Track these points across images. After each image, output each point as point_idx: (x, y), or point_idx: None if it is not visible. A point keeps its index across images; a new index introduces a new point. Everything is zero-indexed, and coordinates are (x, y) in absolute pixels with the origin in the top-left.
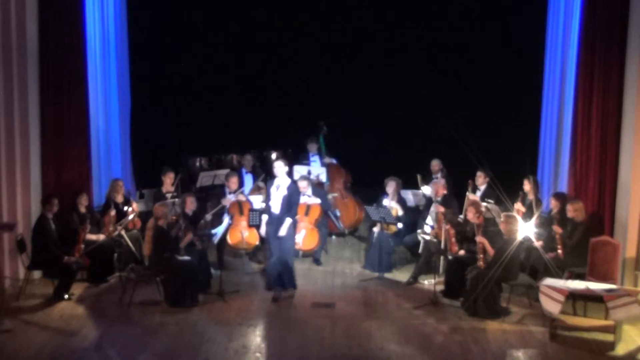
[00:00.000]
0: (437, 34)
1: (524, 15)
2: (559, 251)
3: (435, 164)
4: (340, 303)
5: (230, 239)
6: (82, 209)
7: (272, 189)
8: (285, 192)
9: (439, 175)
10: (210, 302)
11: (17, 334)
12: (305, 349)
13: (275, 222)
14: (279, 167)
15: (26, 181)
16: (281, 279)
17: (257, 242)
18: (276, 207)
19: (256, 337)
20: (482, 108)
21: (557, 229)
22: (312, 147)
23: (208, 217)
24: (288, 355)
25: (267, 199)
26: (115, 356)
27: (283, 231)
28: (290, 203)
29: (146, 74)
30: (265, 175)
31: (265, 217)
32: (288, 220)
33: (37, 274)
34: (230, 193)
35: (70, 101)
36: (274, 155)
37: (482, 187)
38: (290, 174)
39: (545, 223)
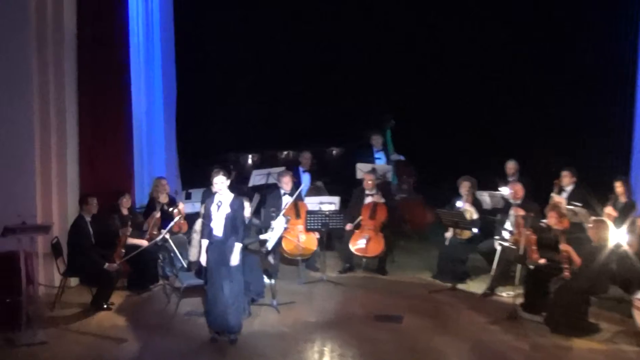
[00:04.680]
0: (521, 31)
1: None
2: None
3: (511, 166)
4: (406, 316)
5: (284, 245)
6: (124, 211)
7: (212, 208)
8: (228, 210)
9: (515, 177)
10: (263, 314)
11: (52, 346)
12: None
13: (218, 248)
14: (220, 182)
15: (62, 179)
16: (224, 321)
17: (315, 248)
18: (218, 229)
19: (313, 354)
20: (571, 104)
21: None
22: (377, 142)
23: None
24: None
25: (207, 218)
26: None
27: (235, 259)
28: (236, 223)
29: (193, 65)
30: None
31: (204, 243)
32: (237, 246)
33: (73, 281)
34: (285, 194)
35: (110, 94)
36: (335, 152)
37: (569, 188)
38: (236, 188)
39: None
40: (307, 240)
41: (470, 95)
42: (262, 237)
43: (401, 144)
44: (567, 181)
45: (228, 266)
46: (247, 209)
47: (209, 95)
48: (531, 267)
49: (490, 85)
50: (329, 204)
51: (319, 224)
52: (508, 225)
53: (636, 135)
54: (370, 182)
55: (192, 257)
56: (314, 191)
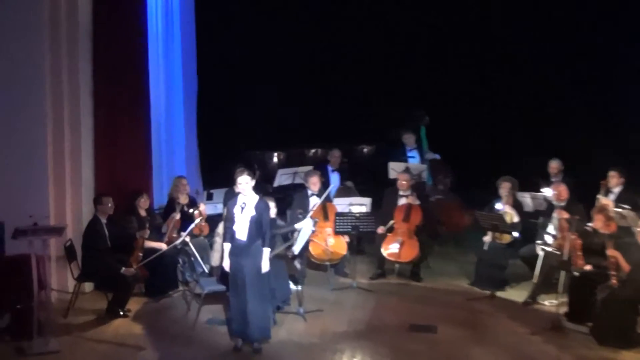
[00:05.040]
0: (567, 23)
1: None
2: None
3: (555, 166)
4: (442, 326)
5: (312, 249)
6: (142, 212)
7: (236, 210)
8: (253, 212)
9: (559, 177)
10: (289, 323)
11: (65, 355)
12: None
13: (243, 253)
14: (244, 182)
15: (77, 178)
16: (248, 329)
17: (345, 252)
18: (242, 232)
19: None
20: (619, 101)
21: None
22: (410, 140)
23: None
24: None
25: (230, 222)
26: None
27: (265, 266)
28: (262, 226)
29: (216, 60)
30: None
31: (227, 247)
32: (266, 252)
33: (88, 286)
34: (312, 194)
35: (127, 91)
36: (366, 150)
37: (616, 190)
38: (260, 188)
39: None
40: (336, 244)
41: (512, 91)
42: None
43: (436, 141)
44: (615, 182)
45: (252, 271)
46: (273, 210)
47: (232, 91)
48: (576, 273)
49: (534, 80)
50: (359, 205)
51: (349, 226)
52: (551, 228)
53: None
54: (404, 182)
55: (214, 261)
56: (343, 192)
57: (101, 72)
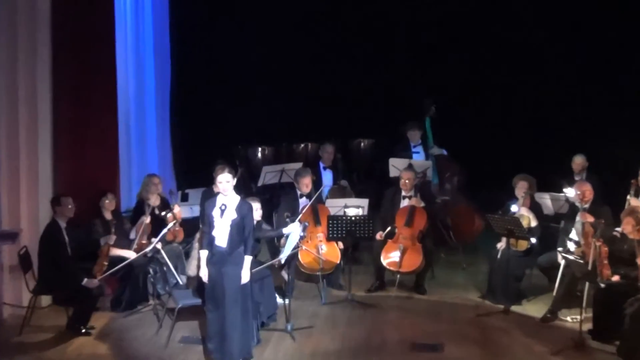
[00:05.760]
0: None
1: None
2: None
3: (579, 162)
4: (449, 344)
5: (301, 258)
6: (107, 215)
7: (215, 212)
8: (234, 215)
9: (583, 176)
10: (275, 341)
11: None
12: None
13: (222, 261)
14: (224, 181)
15: (33, 177)
16: (227, 348)
17: (339, 261)
18: (222, 238)
19: None
20: None
21: None
22: (414, 135)
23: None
24: None
25: (209, 227)
26: None
27: (245, 276)
28: (244, 232)
29: (192, 41)
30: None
31: (203, 254)
32: (247, 260)
33: (45, 300)
34: (302, 195)
35: (92, 75)
36: (363, 144)
37: None
38: (243, 188)
39: None
40: (328, 252)
41: (530, 78)
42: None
43: (443, 134)
44: None
45: (233, 283)
46: (257, 212)
47: (211, 77)
48: (602, 285)
49: (554, 66)
50: (355, 207)
51: (344, 232)
52: (574, 234)
53: None
54: (407, 181)
55: (190, 271)
56: (337, 192)
57: (61, 60)
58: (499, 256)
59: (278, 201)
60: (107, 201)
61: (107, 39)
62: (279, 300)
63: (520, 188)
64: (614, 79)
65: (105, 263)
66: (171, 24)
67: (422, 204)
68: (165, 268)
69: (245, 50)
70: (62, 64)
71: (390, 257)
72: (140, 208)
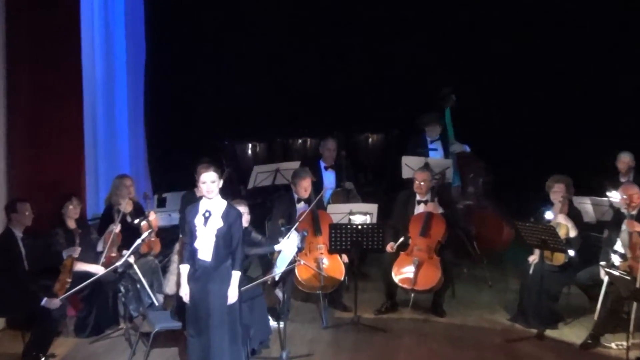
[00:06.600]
0: None
1: None
2: None
3: (626, 161)
4: None
5: (299, 273)
6: (71, 223)
7: (197, 220)
8: (220, 223)
9: (630, 177)
10: None
11: None
12: None
13: (207, 278)
14: (209, 181)
15: None
16: None
17: (343, 277)
18: (205, 250)
19: None
20: None
21: None
22: (433, 130)
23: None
24: None
25: (190, 237)
26: None
27: (233, 296)
28: (232, 242)
29: (169, 20)
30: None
31: (184, 269)
32: (235, 276)
33: None
34: (299, 200)
35: (54, 62)
36: (371, 139)
37: None
38: (231, 191)
39: None
40: (330, 267)
41: (569, 63)
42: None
43: (466, 128)
44: None
45: (219, 303)
46: (245, 216)
47: (192, 61)
48: None
49: (597, 50)
50: (362, 214)
51: (348, 243)
52: (619, 245)
53: None
54: (422, 183)
55: (169, 289)
56: (341, 196)
57: (18, 38)
58: (531, 272)
59: (271, 206)
60: (70, 207)
61: (70, 21)
62: (273, 323)
63: (557, 191)
64: None
65: (69, 280)
66: None
67: (441, 210)
68: (138, 285)
69: (234, 27)
70: (17, 57)
71: (403, 273)
72: (109, 215)
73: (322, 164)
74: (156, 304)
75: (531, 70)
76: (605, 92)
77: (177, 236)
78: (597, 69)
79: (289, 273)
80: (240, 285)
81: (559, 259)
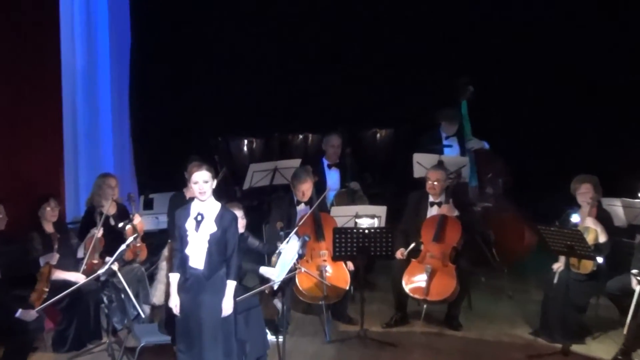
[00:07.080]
0: None
1: None
2: None
3: None
4: None
5: (300, 282)
6: (49, 227)
7: (188, 224)
8: (213, 228)
9: None
10: None
11: None
12: None
13: (198, 287)
14: (202, 181)
15: None
16: None
17: (348, 287)
18: (197, 257)
19: None
20: None
21: None
22: (450, 127)
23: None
24: None
25: (181, 243)
26: None
27: (227, 307)
28: (227, 249)
29: (157, 6)
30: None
31: (174, 278)
32: (230, 286)
33: None
34: (299, 202)
35: (30, 52)
36: (379, 135)
37: None
38: (225, 192)
39: None
40: (334, 275)
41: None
42: (262, 270)
43: (484, 123)
44: None
45: (212, 315)
46: (241, 221)
47: (182, 50)
48: None
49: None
50: (369, 217)
51: (354, 249)
52: None
53: None
54: (436, 183)
55: (156, 300)
56: (345, 197)
57: None
58: (555, 281)
59: (269, 209)
60: (48, 209)
61: (48, 7)
62: (271, 337)
63: (584, 192)
64: None
65: (46, 289)
66: None
67: (456, 213)
68: (123, 295)
69: (228, 12)
70: None
71: (414, 282)
72: (90, 218)
73: (325, 162)
74: (142, 315)
75: (551, 66)
76: (635, 82)
77: (165, 241)
78: (623, 65)
79: (289, 282)
80: (235, 296)
81: (587, 266)
